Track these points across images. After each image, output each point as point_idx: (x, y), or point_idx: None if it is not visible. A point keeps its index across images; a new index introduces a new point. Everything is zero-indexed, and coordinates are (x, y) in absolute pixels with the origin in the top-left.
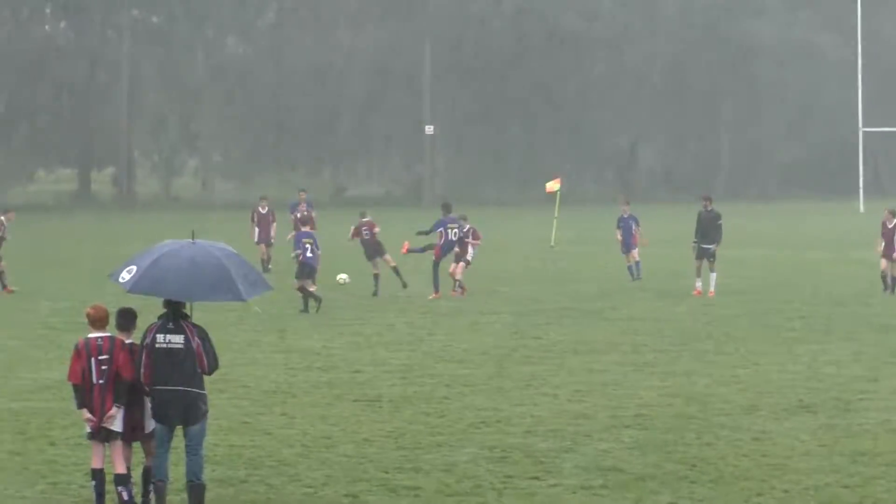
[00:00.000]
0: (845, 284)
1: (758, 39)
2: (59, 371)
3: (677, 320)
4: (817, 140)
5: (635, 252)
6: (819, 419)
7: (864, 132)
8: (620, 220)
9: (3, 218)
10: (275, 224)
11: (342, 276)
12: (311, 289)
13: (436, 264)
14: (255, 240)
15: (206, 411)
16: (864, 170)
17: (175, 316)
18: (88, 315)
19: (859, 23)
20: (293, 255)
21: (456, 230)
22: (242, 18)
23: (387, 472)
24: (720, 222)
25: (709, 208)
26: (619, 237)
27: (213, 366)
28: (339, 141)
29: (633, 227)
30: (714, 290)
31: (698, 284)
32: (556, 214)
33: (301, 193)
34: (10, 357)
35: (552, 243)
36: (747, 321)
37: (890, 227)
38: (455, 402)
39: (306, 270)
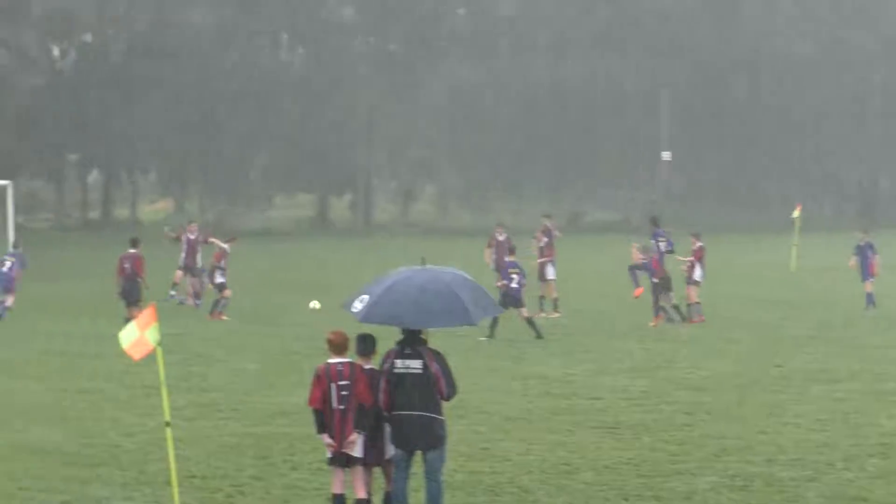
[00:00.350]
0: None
1: None
2: (300, 396)
3: None
4: None
5: (869, 281)
6: None
7: None
8: (857, 247)
9: (225, 246)
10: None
11: (313, 304)
12: (524, 315)
13: (656, 287)
14: (492, 266)
15: (445, 437)
16: None
17: (413, 341)
18: (329, 341)
19: None
20: (498, 283)
21: (664, 243)
22: (479, 44)
23: (626, 500)
24: None
25: None
26: (855, 264)
27: (452, 391)
28: (576, 166)
29: (870, 255)
30: None
31: None
32: (795, 241)
33: (497, 228)
34: (252, 382)
35: (792, 269)
36: None
37: None
38: (695, 430)
39: (509, 300)
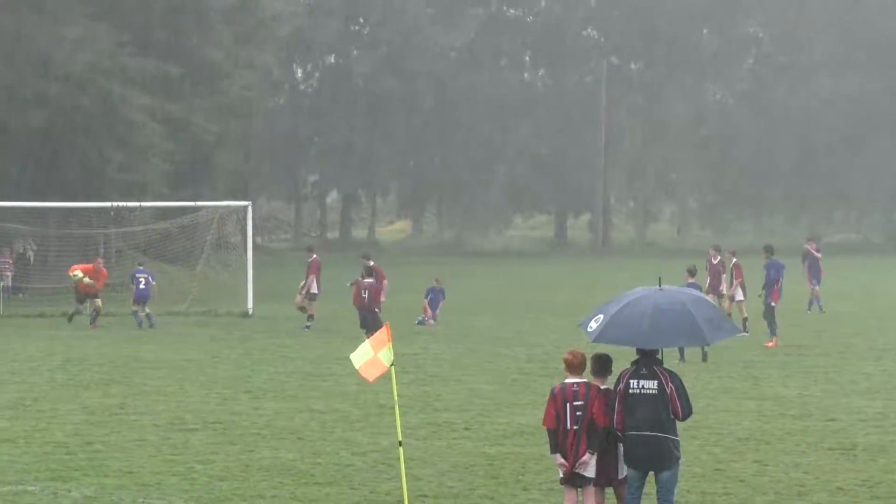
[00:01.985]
0: None
1: None
2: (534, 416)
3: None
4: None
5: None
6: None
7: None
8: None
9: (371, 263)
10: (724, 275)
11: None
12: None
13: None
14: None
15: (679, 457)
16: None
17: (648, 361)
18: (566, 360)
19: None
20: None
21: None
22: (720, 64)
23: None
24: None
25: None
26: None
27: (687, 412)
28: (817, 188)
29: None
30: None
31: None
32: None
33: (712, 251)
34: (487, 402)
35: None
36: None
37: None
38: None
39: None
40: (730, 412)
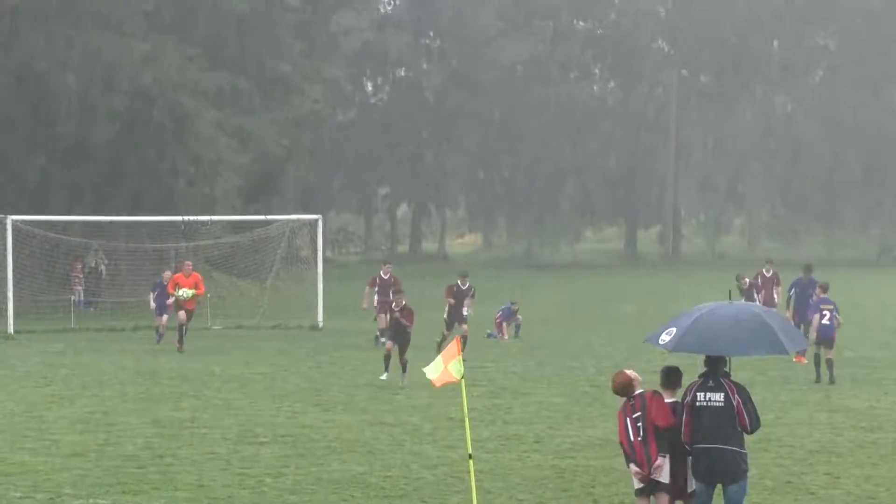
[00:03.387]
0: None
1: None
2: (603, 429)
3: None
4: None
5: None
6: None
7: None
8: None
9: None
10: (778, 288)
11: None
12: (828, 356)
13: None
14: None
15: (746, 470)
16: None
17: (715, 374)
18: (616, 385)
19: None
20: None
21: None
22: (790, 76)
23: None
24: None
25: None
26: None
27: (755, 424)
28: (888, 199)
29: None
30: None
31: None
32: None
33: (767, 264)
34: (557, 414)
35: None
36: None
37: None
38: None
39: (822, 339)
40: (801, 424)
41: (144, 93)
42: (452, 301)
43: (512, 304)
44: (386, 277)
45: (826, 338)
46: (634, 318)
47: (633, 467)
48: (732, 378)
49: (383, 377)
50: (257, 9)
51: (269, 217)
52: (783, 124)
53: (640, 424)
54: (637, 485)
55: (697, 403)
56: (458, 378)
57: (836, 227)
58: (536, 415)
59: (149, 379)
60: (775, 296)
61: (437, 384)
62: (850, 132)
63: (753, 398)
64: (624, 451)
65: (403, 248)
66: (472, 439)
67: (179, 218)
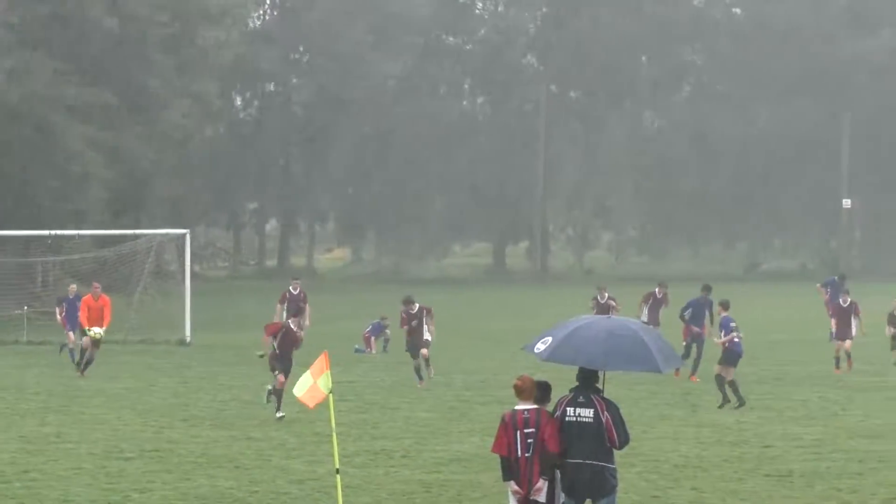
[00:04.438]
0: None
1: None
2: (470, 443)
3: None
4: None
5: None
6: None
7: None
8: None
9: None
10: (664, 307)
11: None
12: (731, 378)
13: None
14: (645, 319)
15: (615, 485)
16: None
17: (586, 389)
18: (516, 386)
19: None
20: (720, 341)
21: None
22: (659, 93)
23: None
24: None
25: None
26: None
27: (623, 440)
28: (754, 215)
29: None
30: None
31: None
32: None
33: (659, 286)
34: (424, 429)
35: None
36: None
37: None
38: (868, 478)
39: (733, 358)
40: (667, 439)
41: (11, 108)
42: (407, 328)
43: (382, 319)
44: (296, 293)
45: (737, 357)
46: (502, 333)
47: (512, 485)
48: (603, 394)
49: (278, 415)
50: (125, 24)
51: (137, 231)
52: (651, 140)
53: (530, 441)
54: (512, 501)
55: (567, 418)
56: (327, 393)
57: (703, 243)
58: (404, 430)
59: (14, 394)
60: (659, 316)
61: (311, 405)
62: (718, 148)
63: (622, 413)
64: (505, 465)
65: (272, 262)
66: (339, 454)
67: (46, 232)
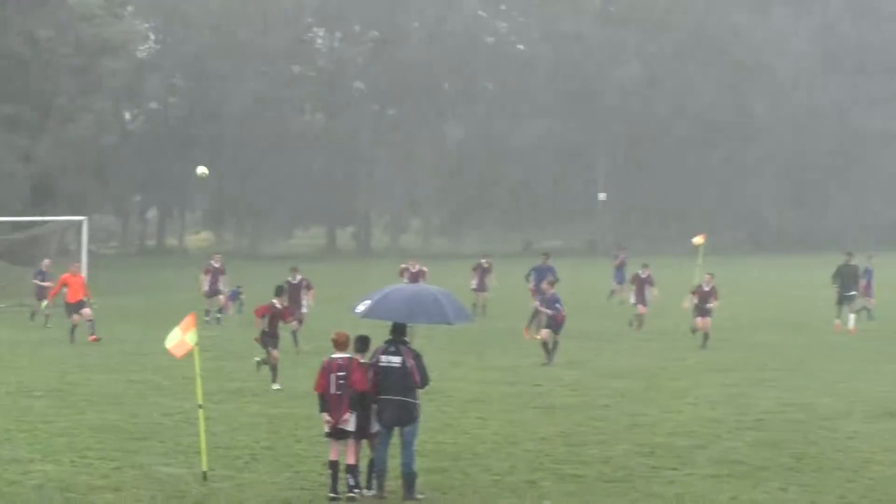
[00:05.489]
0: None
1: (864, 126)
2: (306, 384)
3: (792, 346)
4: None
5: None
6: None
7: None
8: (865, 270)
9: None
10: (492, 275)
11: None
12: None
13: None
14: (473, 286)
15: (418, 416)
16: None
17: (396, 341)
18: (333, 340)
19: None
20: (543, 308)
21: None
22: (458, 109)
23: (558, 464)
24: (859, 273)
25: (850, 262)
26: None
27: (424, 381)
28: (531, 206)
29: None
30: (854, 327)
31: (837, 321)
32: (699, 262)
33: (484, 257)
34: (269, 374)
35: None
36: (845, 346)
37: None
38: (614, 410)
39: (555, 325)
40: (459, 380)
41: None
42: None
43: (238, 287)
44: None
45: (559, 326)
46: (334, 298)
47: (325, 416)
48: (410, 345)
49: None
50: (38, 54)
51: (46, 218)
52: (453, 147)
53: (341, 382)
54: (326, 430)
55: (381, 364)
56: (193, 345)
57: (490, 228)
58: (253, 374)
59: None
60: (487, 282)
61: (178, 355)
62: (504, 154)
63: (424, 360)
64: (321, 400)
65: (151, 243)
66: (201, 393)
67: None
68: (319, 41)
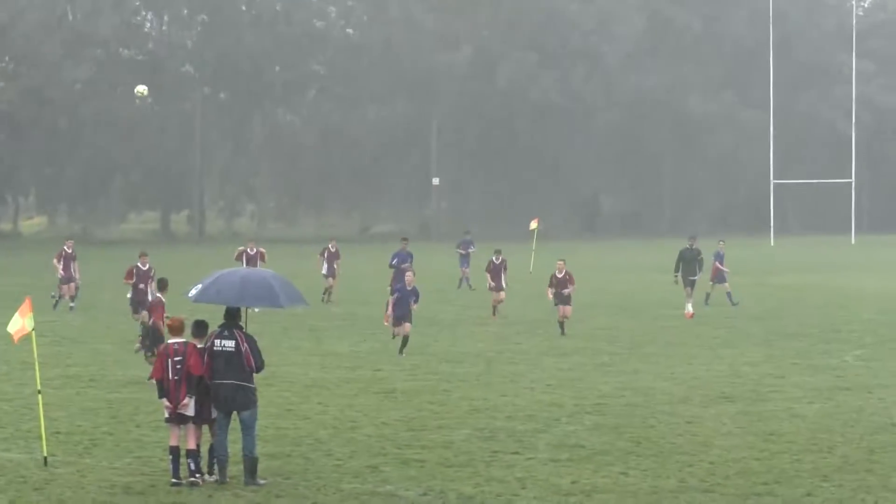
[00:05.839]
0: (761, 302)
1: (694, 112)
2: (145, 370)
3: (629, 330)
4: (740, 189)
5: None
6: (738, 407)
7: (775, 183)
8: (716, 254)
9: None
10: (338, 261)
11: (140, 88)
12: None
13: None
14: (323, 271)
15: (256, 401)
16: (774, 213)
17: (230, 326)
18: (168, 325)
19: (772, 99)
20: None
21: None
22: (290, 94)
23: (399, 448)
24: (701, 257)
25: (693, 246)
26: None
27: (260, 365)
28: (366, 191)
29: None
30: (692, 312)
31: (689, 308)
32: (533, 247)
33: (332, 241)
34: (108, 358)
35: (531, 270)
36: (682, 331)
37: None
38: (454, 394)
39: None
40: (299, 365)
41: None
42: (132, 281)
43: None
44: (69, 252)
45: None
46: (171, 282)
47: (164, 401)
48: (245, 329)
49: None
50: None
51: None
52: (286, 131)
53: (178, 367)
54: (166, 415)
55: (215, 348)
56: (30, 329)
57: (325, 213)
58: (91, 359)
59: None
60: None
61: (15, 339)
62: (337, 138)
63: (260, 345)
64: (160, 386)
65: None
66: (40, 378)
67: None
68: (148, 25)
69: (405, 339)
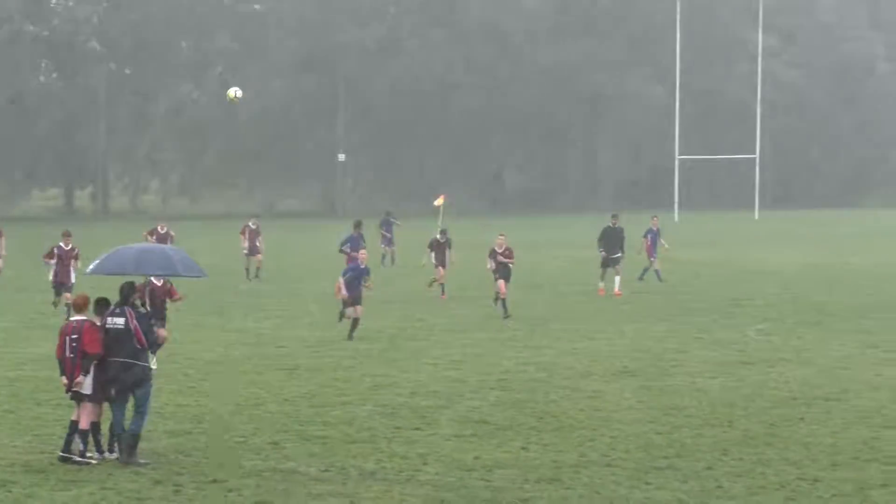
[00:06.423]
0: (665, 277)
1: (602, 88)
2: (46, 347)
3: (533, 306)
4: (644, 165)
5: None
6: (639, 381)
7: (679, 159)
8: (649, 230)
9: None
10: (261, 237)
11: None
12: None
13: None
14: (245, 250)
15: (148, 378)
16: (679, 188)
17: (122, 303)
18: (73, 302)
19: (678, 75)
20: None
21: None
22: (195, 70)
23: (302, 425)
24: (624, 235)
25: (616, 225)
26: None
27: (152, 343)
28: (271, 168)
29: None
30: (620, 290)
31: (601, 285)
32: (439, 224)
33: (253, 218)
34: (7, 336)
35: None
36: (586, 306)
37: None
38: (357, 371)
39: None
40: (202, 342)
41: None
42: (53, 262)
43: None
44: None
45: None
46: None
47: (63, 379)
48: (140, 308)
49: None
50: None
51: None
52: (191, 108)
53: (74, 345)
54: (66, 393)
55: (108, 326)
56: None
57: (230, 189)
58: None
59: None
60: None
61: None
62: (242, 114)
63: (151, 321)
64: (60, 364)
65: None
66: None
67: None
68: (53, 1)
69: (355, 322)
